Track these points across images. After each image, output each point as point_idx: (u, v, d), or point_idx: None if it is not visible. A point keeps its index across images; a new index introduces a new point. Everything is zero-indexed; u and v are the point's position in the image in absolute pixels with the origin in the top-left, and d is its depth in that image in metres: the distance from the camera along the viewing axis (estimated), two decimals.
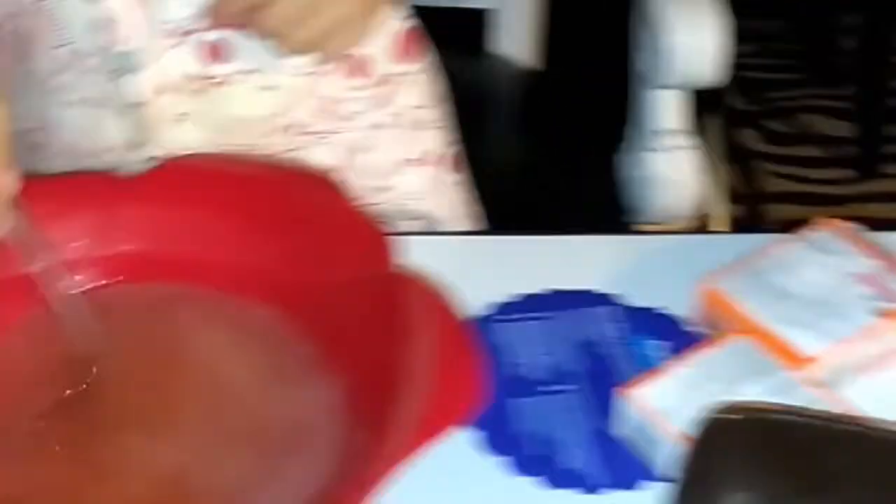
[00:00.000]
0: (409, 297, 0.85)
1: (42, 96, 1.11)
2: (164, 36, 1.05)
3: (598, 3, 1.63)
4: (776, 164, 2.54)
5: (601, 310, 0.98)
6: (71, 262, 0.95)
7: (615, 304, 0.98)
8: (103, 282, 0.97)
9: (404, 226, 1.14)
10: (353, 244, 0.92)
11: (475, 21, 1.60)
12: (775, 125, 2.62)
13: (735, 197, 1.88)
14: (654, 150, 1.35)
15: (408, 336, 0.83)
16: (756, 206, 2.44)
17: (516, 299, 0.99)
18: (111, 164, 1.06)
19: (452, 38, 1.26)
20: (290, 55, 1.02)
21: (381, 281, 0.88)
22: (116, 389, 0.89)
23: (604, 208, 1.41)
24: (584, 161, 1.47)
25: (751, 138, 2.58)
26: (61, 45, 1.07)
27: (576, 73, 1.60)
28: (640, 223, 1.39)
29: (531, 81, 1.61)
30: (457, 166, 1.25)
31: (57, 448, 0.86)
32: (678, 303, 0.97)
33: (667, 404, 0.86)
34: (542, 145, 1.52)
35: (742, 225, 2.08)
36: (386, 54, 1.15)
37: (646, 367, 0.91)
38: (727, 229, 1.49)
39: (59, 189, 0.98)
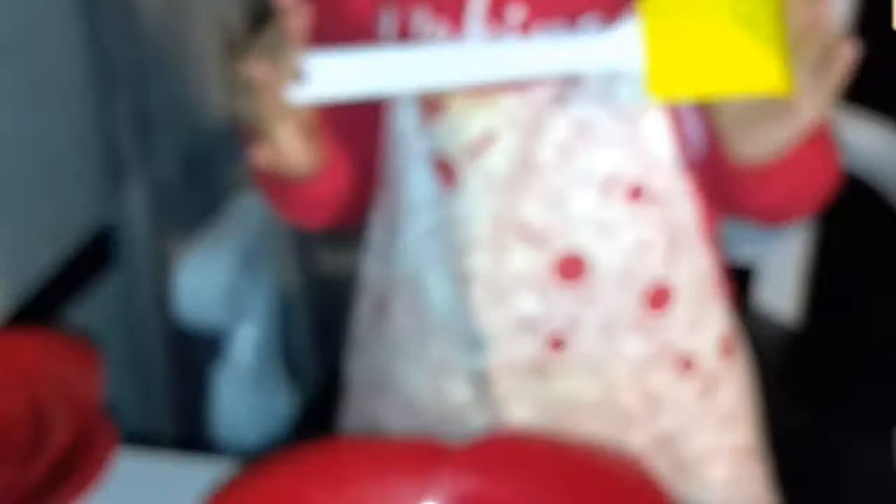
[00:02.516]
0: None
1: (391, 352, 1.18)
2: (514, 325, 1.10)
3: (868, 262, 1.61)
4: None
5: None
6: None
7: None
8: None
9: None
10: None
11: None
12: None
13: None
14: None
15: None
16: None
17: None
18: (450, 423, 1.14)
19: None
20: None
21: None
22: None
23: (885, 480, 1.36)
24: (859, 432, 1.42)
25: None
26: (421, 316, 1.14)
27: (842, 334, 1.57)
28: None
29: (797, 342, 1.58)
30: (762, 457, 1.24)
31: None
32: None
33: None
34: (814, 411, 1.48)
35: None
36: (713, 351, 1.16)
37: None
38: None
39: (381, 453, 1.01)
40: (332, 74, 0.97)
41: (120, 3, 1.64)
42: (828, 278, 1.63)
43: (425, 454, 0.99)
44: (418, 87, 1.03)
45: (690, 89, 0.96)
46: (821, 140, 1.07)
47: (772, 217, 1.17)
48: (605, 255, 1.09)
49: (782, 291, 1.60)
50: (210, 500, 0.96)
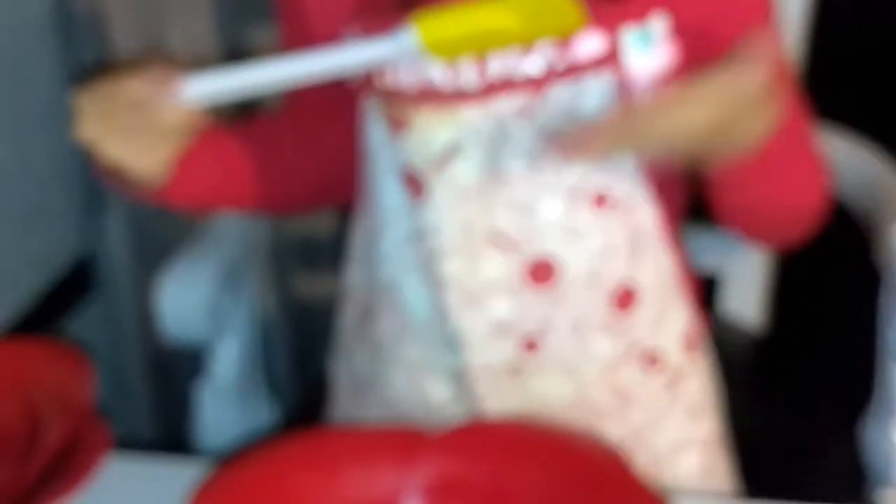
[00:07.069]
0: None
1: (375, 354, 1.21)
2: (489, 328, 1.14)
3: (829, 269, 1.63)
4: None
5: None
6: None
7: None
8: None
9: None
10: None
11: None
12: None
13: None
14: None
15: None
16: None
17: None
18: (431, 421, 1.13)
19: None
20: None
21: None
22: None
23: (848, 477, 1.38)
24: (824, 427, 1.44)
25: None
26: (401, 319, 1.18)
27: (806, 338, 1.58)
28: (885, 493, 1.36)
29: (762, 348, 1.60)
30: (726, 447, 1.28)
31: None
32: None
33: None
34: (779, 413, 1.50)
35: None
36: (677, 346, 1.20)
37: None
38: None
39: (362, 439, 1.04)
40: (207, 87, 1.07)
41: (97, 34, 1.67)
42: (791, 285, 1.65)
43: (405, 439, 1.02)
44: (273, 85, 1.08)
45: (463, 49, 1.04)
46: (805, 159, 1.13)
47: (756, 227, 1.20)
48: (574, 259, 1.12)
49: (747, 299, 1.63)
50: (197, 489, 0.99)
